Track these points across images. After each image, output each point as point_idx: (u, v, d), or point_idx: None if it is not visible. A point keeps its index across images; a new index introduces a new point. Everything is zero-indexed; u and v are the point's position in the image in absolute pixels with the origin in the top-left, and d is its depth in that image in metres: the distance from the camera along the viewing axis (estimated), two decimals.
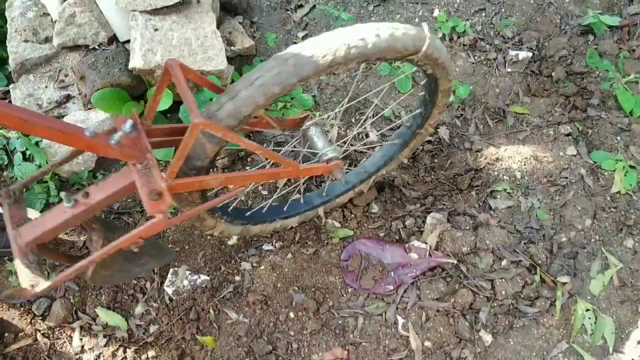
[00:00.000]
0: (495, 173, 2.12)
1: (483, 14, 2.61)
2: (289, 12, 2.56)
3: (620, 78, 2.35)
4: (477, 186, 2.09)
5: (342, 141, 1.82)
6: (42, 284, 1.33)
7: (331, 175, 1.64)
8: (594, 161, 2.14)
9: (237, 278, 1.91)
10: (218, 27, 2.21)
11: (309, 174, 1.61)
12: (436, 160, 2.16)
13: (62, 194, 1.34)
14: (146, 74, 1.99)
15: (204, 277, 1.87)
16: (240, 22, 2.37)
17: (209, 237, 1.96)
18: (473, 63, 2.44)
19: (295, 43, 2.26)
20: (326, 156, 1.59)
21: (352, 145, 1.86)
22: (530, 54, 2.42)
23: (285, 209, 1.94)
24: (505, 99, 2.34)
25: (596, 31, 2.52)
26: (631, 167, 2.10)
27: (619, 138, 2.20)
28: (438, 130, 2.21)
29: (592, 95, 2.32)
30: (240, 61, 2.32)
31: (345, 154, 1.78)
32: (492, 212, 2.03)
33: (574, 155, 2.14)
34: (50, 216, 1.35)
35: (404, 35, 1.27)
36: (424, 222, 1.99)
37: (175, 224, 1.56)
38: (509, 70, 2.41)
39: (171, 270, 1.87)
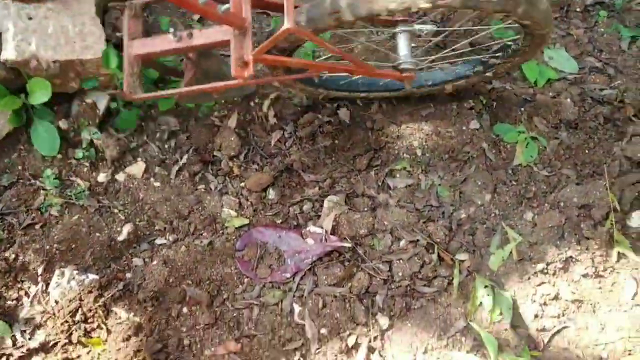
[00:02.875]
0: (396, 151, 2.07)
1: None
2: None
3: None
4: (376, 166, 2.04)
5: (423, 57, 1.85)
6: (138, 94, 1.66)
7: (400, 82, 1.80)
8: (497, 134, 2.11)
9: (128, 275, 1.84)
10: (105, 13, 2.11)
11: (382, 77, 1.84)
12: (337, 142, 2.10)
13: (172, 23, 1.84)
14: (21, 65, 1.89)
15: (92, 276, 1.79)
16: None
17: (97, 234, 1.88)
18: None
19: (190, 22, 2.19)
20: (403, 65, 1.69)
21: (430, 64, 1.89)
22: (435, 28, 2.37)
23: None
24: None
25: None
26: (533, 138, 2.07)
27: (522, 109, 2.17)
28: (338, 111, 2.14)
29: None
30: None
31: (418, 68, 1.80)
32: (391, 192, 1.99)
33: (477, 129, 2.11)
34: (158, 41, 1.66)
35: None
36: (321, 206, 1.94)
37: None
38: None
39: (57, 271, 1.79)
